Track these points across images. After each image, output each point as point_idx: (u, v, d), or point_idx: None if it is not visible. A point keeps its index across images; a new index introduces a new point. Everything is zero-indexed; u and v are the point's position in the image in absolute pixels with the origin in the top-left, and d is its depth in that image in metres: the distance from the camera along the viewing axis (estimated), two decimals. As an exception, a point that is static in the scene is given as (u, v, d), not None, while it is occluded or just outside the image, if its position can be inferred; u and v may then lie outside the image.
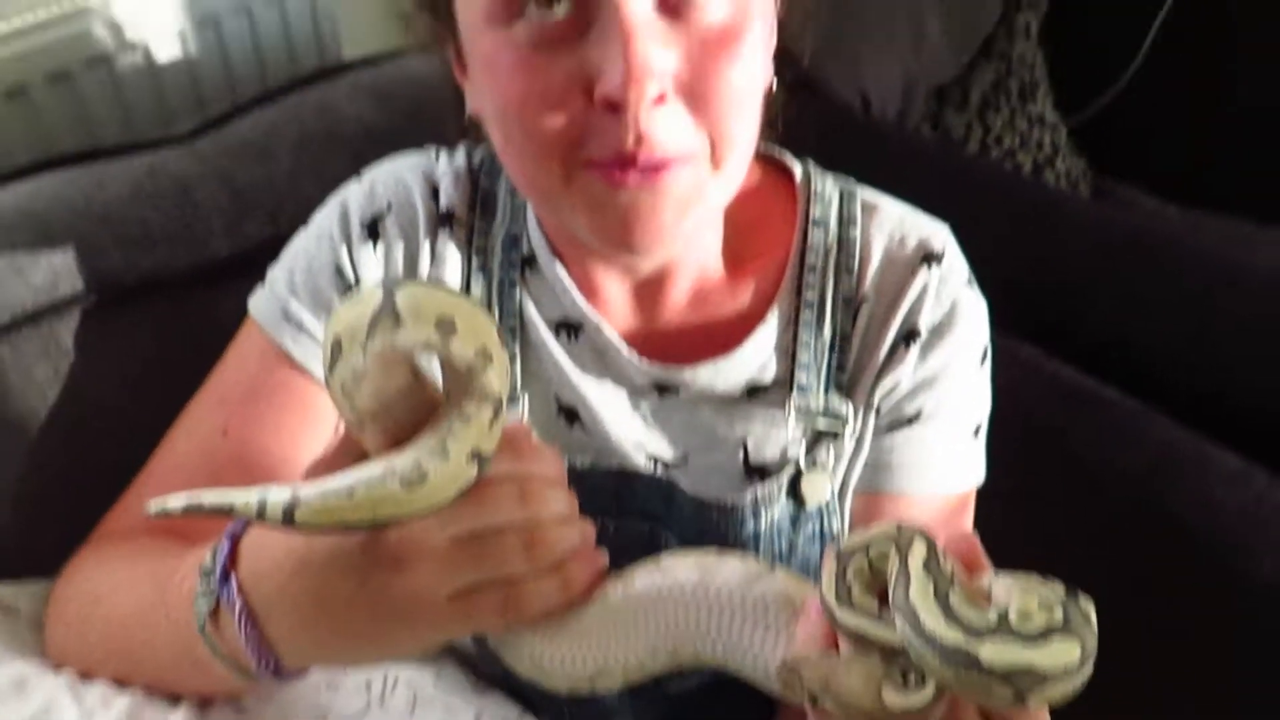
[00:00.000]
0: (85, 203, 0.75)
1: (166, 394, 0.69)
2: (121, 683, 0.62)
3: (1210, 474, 0.82)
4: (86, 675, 0.62)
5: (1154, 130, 1.79)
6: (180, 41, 1.06)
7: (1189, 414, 0.88)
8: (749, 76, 0.55)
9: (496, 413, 0.46)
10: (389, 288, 0.44)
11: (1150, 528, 0.82)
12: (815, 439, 0.67)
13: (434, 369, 0.49)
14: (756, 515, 0.66)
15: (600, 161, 0.54)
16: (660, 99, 0.52)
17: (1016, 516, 0.70)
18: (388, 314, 0.43)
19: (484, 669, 0.76)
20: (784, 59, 0.63)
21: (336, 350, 0.44)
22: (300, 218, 0.81)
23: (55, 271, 0.72)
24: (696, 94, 0.53)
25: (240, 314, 0.69)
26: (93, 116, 1.02)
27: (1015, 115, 1.56)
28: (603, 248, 0.60)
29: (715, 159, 0.56)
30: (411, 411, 0.48)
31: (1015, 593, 0.42)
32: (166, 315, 0.78)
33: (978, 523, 0.69)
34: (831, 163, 0.73)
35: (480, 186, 0.69)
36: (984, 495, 0.71)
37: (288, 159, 0.84)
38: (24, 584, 0.69)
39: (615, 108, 0.51)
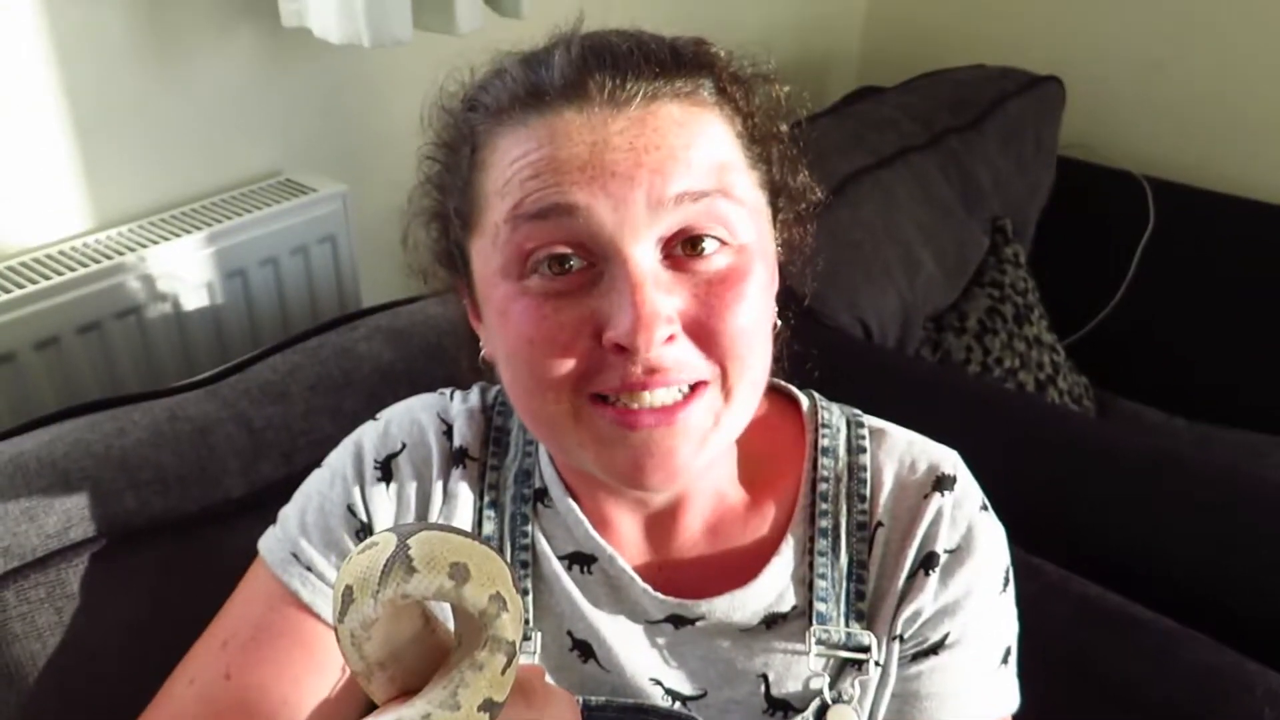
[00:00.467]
0: (105, 449, 0.76)
1: (168, 635, 0.68)
2: None
3: (1255, 696, 0.78)
4: None
5: (1148, 346, 1.84)
6: (208, 292, 1.11)
7: (1220, 630, 0.85)
8: (754, 315, 0.57)
9: (510, 660, 0.45)
10: (402, 535, 0.44)
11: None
12: (839, 671, 0.66)
13: (444, 610, 0.48)
14: (783, 754, 0.63)
15: (611, 395, 0.56)
16: (670, 339, 0.55)
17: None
18: (401, 562, 0.43)
19: None
20: (787, 297, 0.66)
21: (348, 598, 0.44)
22: (315, 457, 0.82)
23: (68, 516, 0.73)
24: (704, 331, 0.56)
25: (248, 553, 0.69)
26: (118, 363, 1.05)
27: (1013, 338, 1.61)
28: (616, 484, 0.60)
29: (726, 389, 0.58)
30: (421, 658, 0.47)
31: None
32: (173, 555, 0.78)
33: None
34: (836, 389, 0.74)
35: (493, 424, 0.71)
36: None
37: (304, 399, 0.86)
38: None
39: (625, 351, 0.54)
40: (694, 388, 0.57)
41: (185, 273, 1.08)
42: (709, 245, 0.56)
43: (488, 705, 0.44)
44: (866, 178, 1.47)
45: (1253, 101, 1.81)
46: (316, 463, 0.74)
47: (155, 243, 1.06)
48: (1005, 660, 0.68)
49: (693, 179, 0.55)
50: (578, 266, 0.55)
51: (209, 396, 0.84)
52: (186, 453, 0.79)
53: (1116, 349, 1.84)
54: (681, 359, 0.55)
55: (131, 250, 1.05)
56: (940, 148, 1.63)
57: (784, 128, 0.65)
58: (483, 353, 0.66)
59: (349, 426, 0.81)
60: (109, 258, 1.03)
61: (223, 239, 1.10)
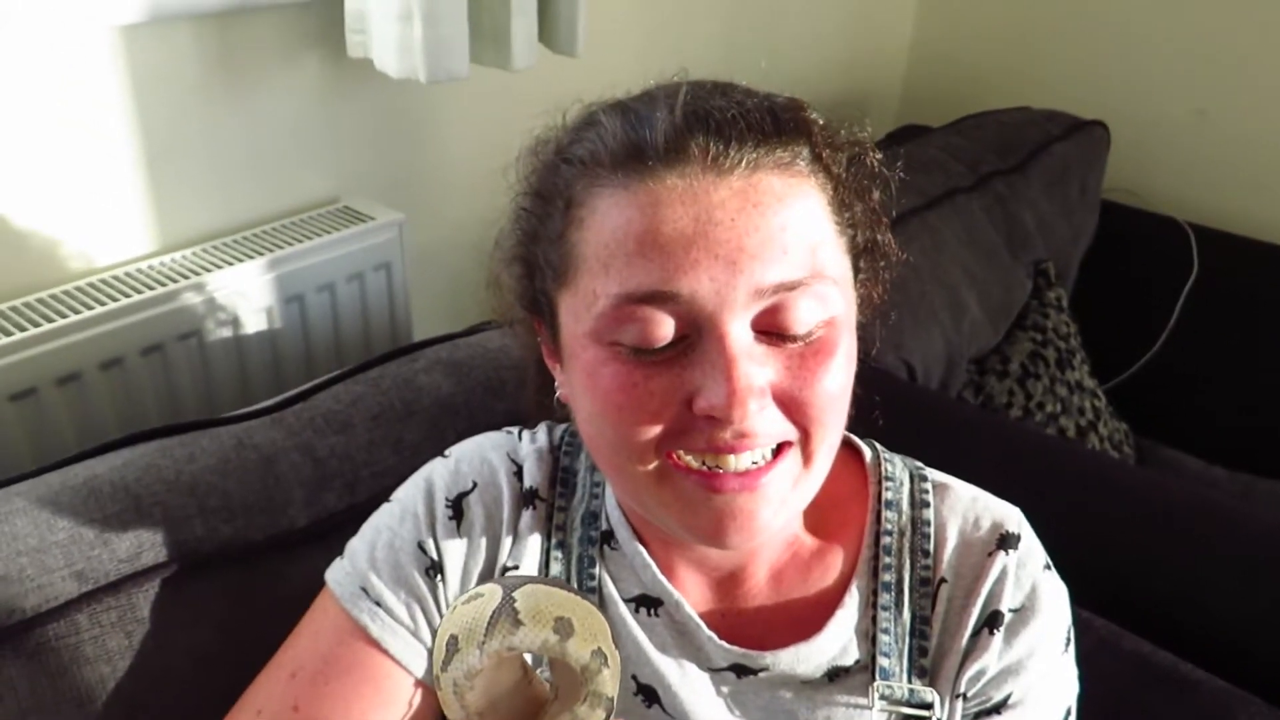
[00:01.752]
0: (175, 475, 0.78)
1: (233, 663, 0.69)
2: None
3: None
4: None
5: (1189, 394, 1.83)
6: (266, 316, 1.12)
7: (1269, 693, 0.84)
8: (841, 385, 0.59)
9: (608, 716, 0.46)
10: (508, 587, 0.45)
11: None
12: None
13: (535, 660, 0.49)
14: (847, 808, 0.63)
15: (695, 462, 0.57)
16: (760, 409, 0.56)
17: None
18: (507, 614, 0.44)
19: None
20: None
21: (452, 647, 0.45)
22: (377, 488, 0.84)
23: (140, 542, 0.74)
24: (793, 401, 0.57)
25: (312, 583, 0.70)
26: (178, 384, 1.07)
27: (1055, 382, 1.60)
28: (695, 542, 0.62)
29: (807, 453, 0.59)
30: (518, 710, 0.48)
31: None
32: (239, 583, 0.79)
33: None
34: (882, 431, 0.75)
35: (560, 464, 0.72)
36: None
37: (366, 430, 0.87)
38: None
39: (716, 420, 0.55)
40: (776, 451, 0.58)
41: (246, 297, 1.09)
42: (800, 327, 0.57)
43: None
44: (914, 219, 1.48)
45: (1298, 151, 1.81)
46: (379, 494, 0.76)
47: (218, 267, 1.08)
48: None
49: (789, 268, 0.56)
50: (672, 338, 0.56)
51: (274, 425, 0.86)
52: (253, 481, 0.80)
53: (1157, 395, 1.83)
54: (768, 426, 0.57)
55: (195, 274, 1.07)
56: (986, 190, 1.64)
57: (875, 194, 0.65)
58: (559, 393, 0.67)
59: (410, 458, 0.82)
60: (174, 281, 1.05)
61: (283, 265, 1.12)
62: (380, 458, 0.86)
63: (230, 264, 1.09)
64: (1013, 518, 0.70)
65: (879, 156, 0.65)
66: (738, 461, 0.57)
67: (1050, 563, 0.70)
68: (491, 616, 0.44)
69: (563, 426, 0.75)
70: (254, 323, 1.12)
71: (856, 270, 0.64)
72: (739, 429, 0.55)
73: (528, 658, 0.49)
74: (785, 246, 0.56)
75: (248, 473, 0.80)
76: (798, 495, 0.60)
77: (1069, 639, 0.69)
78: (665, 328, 0.55)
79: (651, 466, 0.58)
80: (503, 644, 0.44)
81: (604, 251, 0.57)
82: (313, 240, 1.15)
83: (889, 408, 0.68)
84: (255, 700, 0.67)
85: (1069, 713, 0.69)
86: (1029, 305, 1.66)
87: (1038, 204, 1.72)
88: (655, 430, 0.57)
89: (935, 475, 0.72)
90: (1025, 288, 1.67)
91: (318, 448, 0.84)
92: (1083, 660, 0.74)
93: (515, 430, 0.75)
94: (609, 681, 0.45)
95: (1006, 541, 0.68)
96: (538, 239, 0.63)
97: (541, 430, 0.75)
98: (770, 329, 0.56)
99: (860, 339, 0.68)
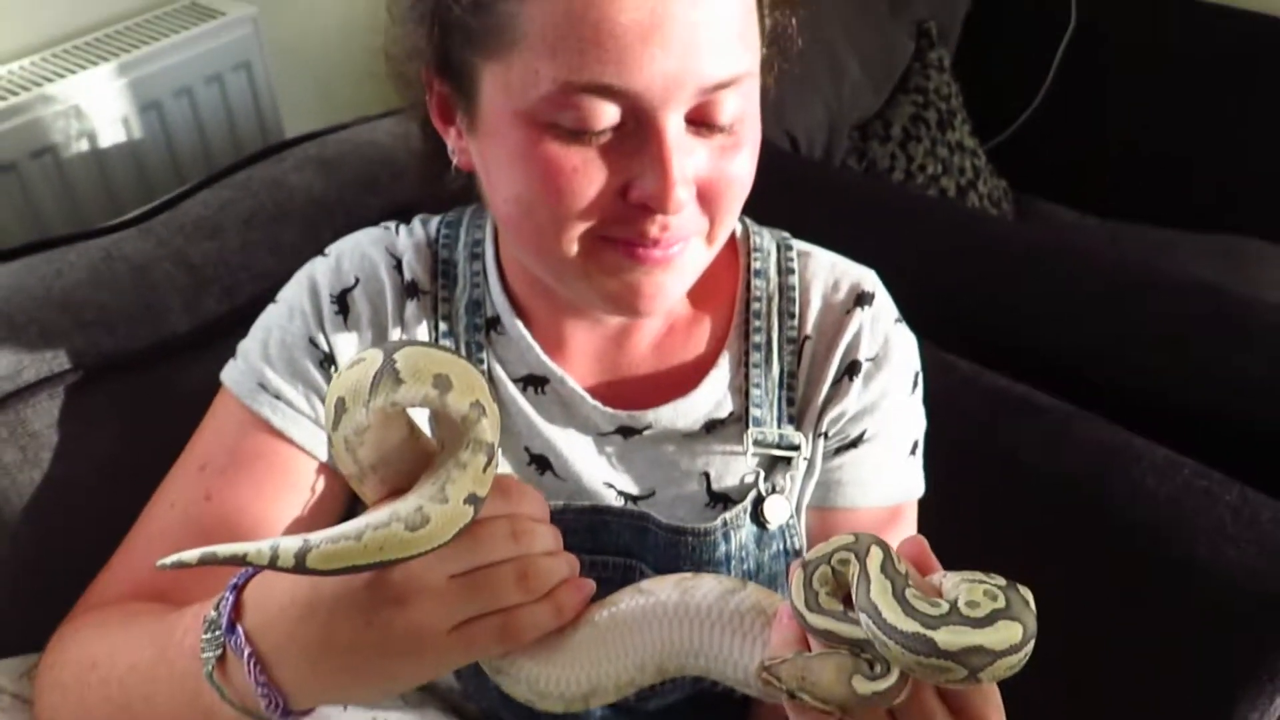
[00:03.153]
0: (45, 291, 0.77)
1: (134, 470, 0.71)
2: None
3: (1141, 466, 0.87)
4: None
5: (1067, 148, 1.89)
6: (124, 126, 1.08)
7: (1117, 412, 0.93)
8: (750, 173, 0.62)
9: (490, 460, 0.49)
10: (388, 350, 0.47)
11: (1089, 520, 0.87)
12: (771, 466, 0.73)
13: (424, 422, 0.52)
14: (726, 538, 0.70)
15: (622, 239, 0.59)
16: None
17: (963, 519, 0.74)
18: (389, 373, 0.47)
19: (469, 703, 0.78)
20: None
21: (340, 408, 0.48)
22: (258, 290, 0.84)
23: (19, 359, 0.74)
24: (711, 189, 0.60)
25: (204, 386, 0.72)
26: (40, 206, 1.04)
27: (936, 144, 1.64)
28: (608, 311, 0.65)
29: (711, 237, 0.63)
30: (409, 461, 0.51)
31: (963, 586, 0.47)
32: (130, 392, 0.80)
33: (928, 527, 0.74)
34: (765, 202, 0.77)
35: (440, 257, 0.73)
36: (932, 502, 0.76)
37: (240, 234, 0.86)
38: (4, 661, 0.70)
39: (649, 210, 0.57)
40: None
41: (98, 107, 1.04)
42: (727, 119, 0.58)
43: (472, 499, 0.49)
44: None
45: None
46: (260, 296, 0.76)
47: (61, 76, 1.02)
48: (913, 452, 0.76)
49: (731, 64, 0.56)
50: (613, 125, 0.56)
51: (143, 235, 0.84)
52: (127, 291, 0.80)
53: (1037, 151, 1.88)
54: (688, 221, 0.60)
55: (38, 85, 1.01)
56: (866, -52, 1.60)
57: None
58: (455, 160, 0.66)
59: (290, 259, 0.82)
60: (15, 94, 0.99)
61: (133, 69, 1.06)
62: (257, 260, 0.86)
63: (74, 72, 1.03)
64: (868, 278, 0.75)
65: None
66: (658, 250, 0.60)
67: (900, 317, 0.75)
68: (374, 377, 0.47)
69: (437, 219, 0.76)
70: (111, 134, 1.07)
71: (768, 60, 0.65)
72: (665, 221, 0.58)
73: (415, 416, 0.52)
74: (730, 44, 0.56)
75: (120, 284, 0.80)
76: (699, 271, 0.65)
77: (916, 382, 0.76)
78: (608, 117, 0.55)
79: (576, 242, 0.60)
80: (386, 400, 0.47)
81: (551, 32, 0.54)
82: (161, 41, 1.09)
83: (774, 180, 0.70)
84: (168, 495, 0.69)
85: (916, 445, 0.76)
86: (911, 67, 1.67)
87: (919, -39, 1.69)
88: (590, 214, 0.58)
89: (799, 244, 0.76)
90: (907, 49, 1.67)
91: (191, 254, 0.84)
92: (945, 397, 0.81)
93: (392, 225, 0.76)
94: (488, 429, 0.49)
95: (863, 300, 0.73)
96: None
97: (417, 224, 0.76)
98: (700, 120, 0.57)
99: None
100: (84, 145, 1.05)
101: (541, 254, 0.62)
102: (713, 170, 0.59)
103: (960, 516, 0.74)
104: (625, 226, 0.59)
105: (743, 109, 0.59)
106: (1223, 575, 0.81)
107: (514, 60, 0.56)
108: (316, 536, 0.48)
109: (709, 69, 0.55)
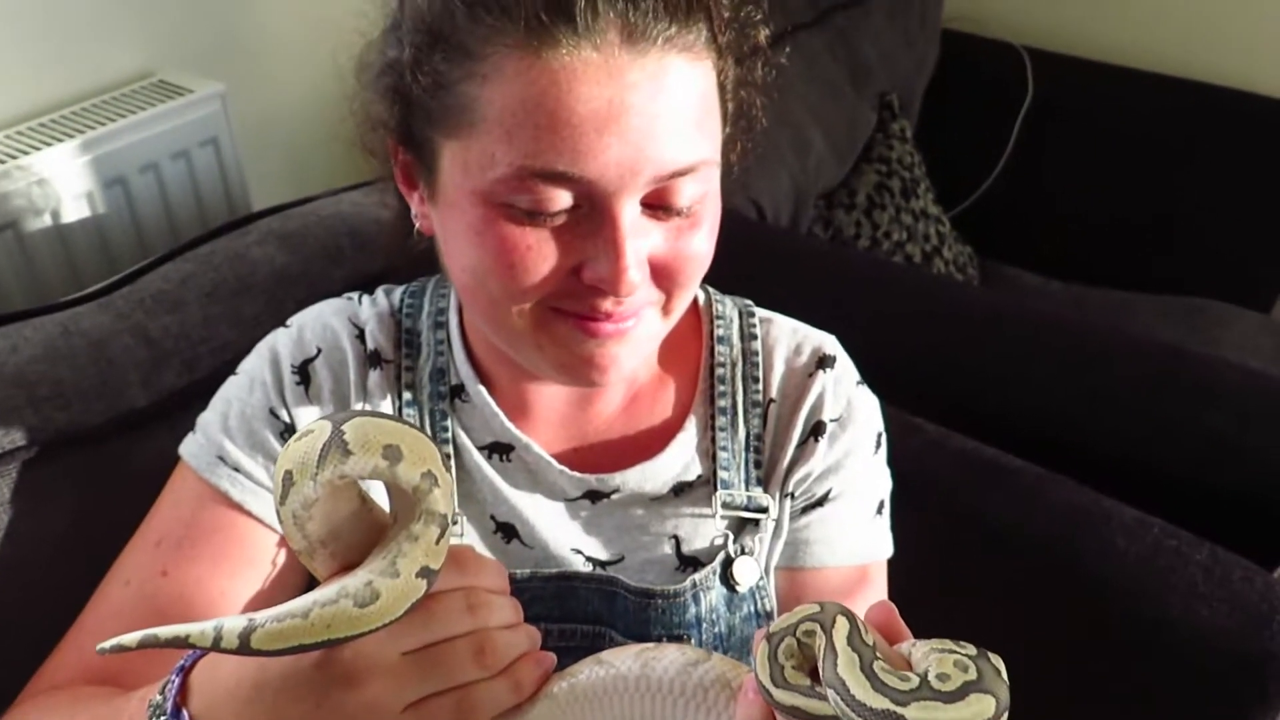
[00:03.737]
0: (-1, 366, 0.75)
1: (90, 546, 0.69)
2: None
3: (1111, 527, 0.86)
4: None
5: (1028, 214, 1.93)
6: (88, 202, 1.07)
7: (1084, 473, 0.93)
8: (708, 249, 0.62)
9: (443, 531, 0.48)
10: (336, 421, 0.46)
11: (1061, 581, 0.87)
12: (740, 528, 0.72)
13: (380, 495, 0.51)
14: (696, 600, 0.70)
15: (574, 312, 0.60)
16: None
17: (933, 582, 0.73)
18: (337, 445, 0.45)
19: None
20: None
21: (288, 481, 0.46)
22: (217, 364, 0.83)
23: (-31, 436, 0.72)
24: (666, 267, 0.60)
25: (162, 461, 0.70)
26: (1, 282, 1.03)
27: (900, 211, 1.66)
28: (563, 381, 0.65)
29: (667, 309, 0.63)
30: (360, 534, 0.50)
31: (933, 657, 0.46)
32: (84, 468, 0.78)
33: (897, 590, 0.73)
34: (732, 270, 0.78)
35: (404, 326, 0.73)
36: (902, 564, 0.75)
37: (201, 307, 0.86)
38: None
39: (600, 291, 0.58)
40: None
41: (62, 183, 1.04)
42: (684, 203, 0.59)
43: (425, 572, 0.47)
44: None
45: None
46: (221, 369, 0.75)
47: (25, 153, 1.02)
48: (880, 511, 0.76)
49: (689, 153, 0.57)
50: (567, 209, 0.57)
51: (101, 309, 0.83)
52: (85, 366, 0.79)
53: (1000, 218, 1.92)
54: (642, 296, 0.60)
55: (1, 161, 1.01)
56: (827, 25, 1.65)
57: (758, 67, 0.66)
58: (418, 224, 0.67)
59: (251, 331, 0.81)
60: (-22, 171, 0.99)
61: (98, 146, 1.06)
62: (218, 334, 0.85)
63: (39, 149, 1.03)
64: (829, 342, 0.76)
65: (766, 34, 0.65)
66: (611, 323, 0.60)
67: (861, 379, 0.77)
68: (322, 448, 0.46)
69: (401, 289, 0.76)
70: (74, 210, 1.06)
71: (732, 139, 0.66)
72: (619, 300, 0.58)
73: (369, 488, 0.51)
74: (687, 134, 0.57)
75: (78, 359, 0.79)
76: (655, 341, 0.66)
77: (879, 442, 0.76)
78: (563, 201, 0.56)
79: (528, 314, 0.60)
80: (335, 473, 0.46)
81: (509, 119, 0.55)
82: (127, 118, 1.09)
83: (740, 248, 0.71)
84: (123, 572, 0.68)
85: (881, 505, 0.76)
86: (874, 138, 1.70)
87: (880, 37, 1.74)
88: (539, 292, 0.59)
89: (761, 311, 0.78)
90: (870, 121, 1.70)
91: (150, 328, 0.83)
92: (913, 459, 0.81)
93: (355, 295, 0.76)
94: (440, 500, 0.48)
95: (825, 363, 0.74)
96: (418, 74, 0.59)
97: (380, 294, 0.76)
98: (656, 204, 0.58)
99: None
100: (46, 220, 1.04)
101: (495, 324, 0.63)
102: (669, 250, 0.60)
103: (930, 579, 0.74)
104: (577, 301, 0.59)
105: (701, 192, 0.59)
106: (1197, 635, 0.80)
107: (472, 142, 0.57)
108: (262, 615, 0.46)
109: (666, 157, 0.56)
